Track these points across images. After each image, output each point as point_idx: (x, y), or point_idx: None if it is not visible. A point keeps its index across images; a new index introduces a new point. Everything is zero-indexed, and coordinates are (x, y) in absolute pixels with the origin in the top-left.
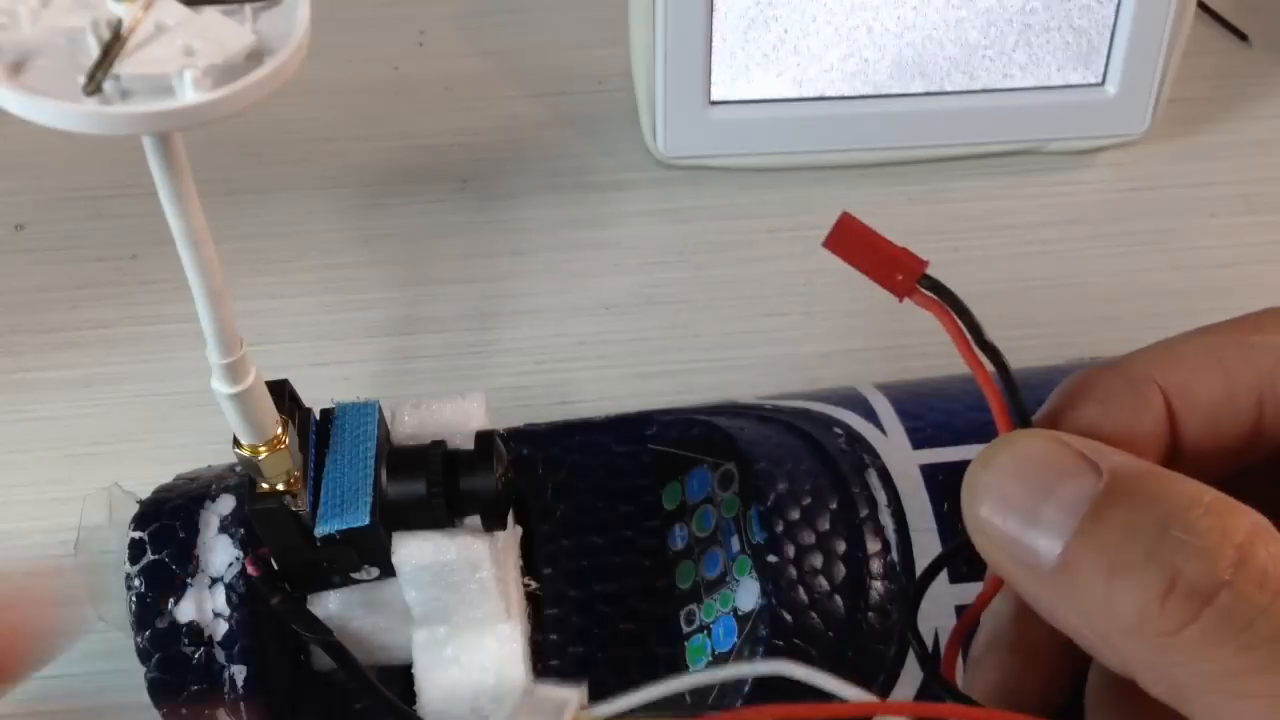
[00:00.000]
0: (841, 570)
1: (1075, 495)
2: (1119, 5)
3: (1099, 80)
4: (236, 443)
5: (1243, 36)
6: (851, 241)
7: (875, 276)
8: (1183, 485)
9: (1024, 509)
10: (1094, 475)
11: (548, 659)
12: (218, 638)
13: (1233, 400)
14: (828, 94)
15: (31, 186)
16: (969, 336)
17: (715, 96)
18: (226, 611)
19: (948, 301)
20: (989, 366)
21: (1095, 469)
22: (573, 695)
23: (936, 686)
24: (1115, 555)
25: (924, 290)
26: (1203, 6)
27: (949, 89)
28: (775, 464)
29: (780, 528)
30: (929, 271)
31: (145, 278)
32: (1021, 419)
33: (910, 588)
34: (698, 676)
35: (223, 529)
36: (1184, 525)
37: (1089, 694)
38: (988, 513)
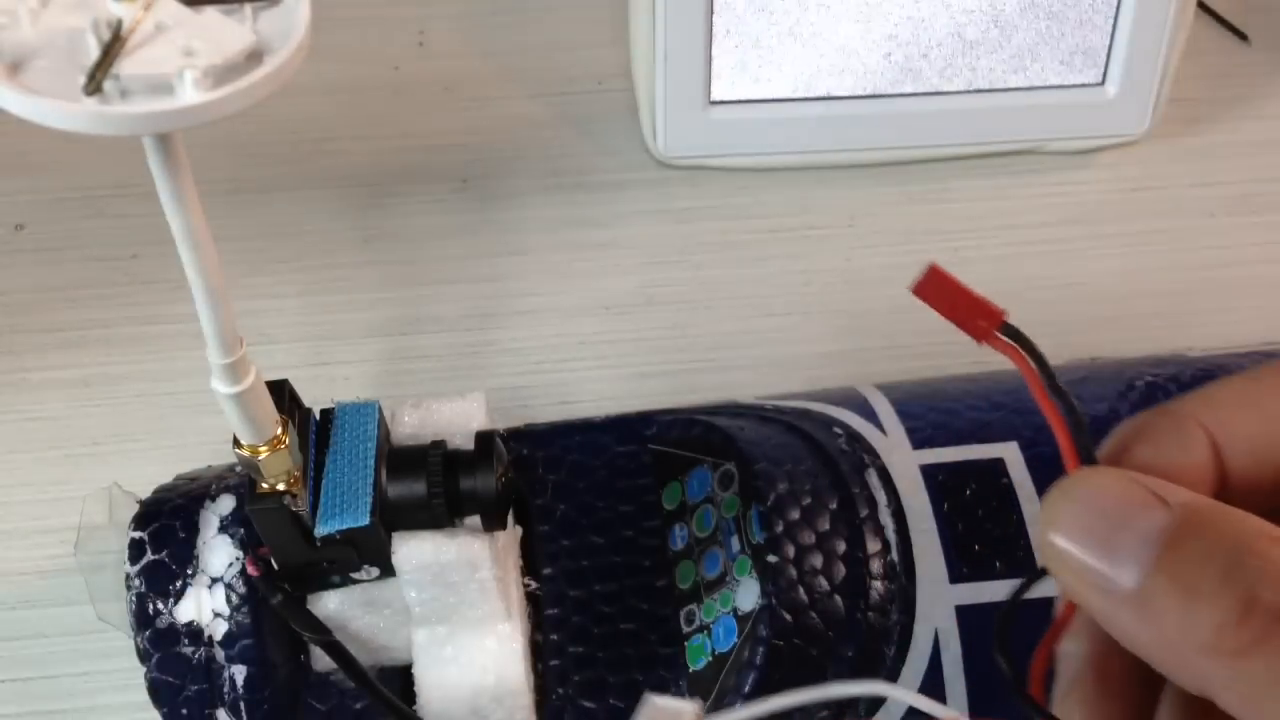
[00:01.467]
0: (841, 570)
1: (1149, 528)
2: (1119, 5)
3: (1099, 80)
4: (236, 443)
5: (1243, 36)
6: (937, 290)
7: (958, 321)
8: (1249, 520)
9: (1102, 540)
10: (1164, 509)
11: (548, 659)
12: (218, 638)
13: (1269, 435)
14: (827, 94)
15: (31, 186)
16: (1042, 380)
17: (715, 96)
18: (226, 611)
19: (1024, 348)
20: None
21: (1164, 504)
22: (690, 707)
23: (1026, 707)
24: (1193, 581)
25: (1002, 336)
26: (1203, 6)
27: (949, 89)
28: (775, 464)
29: (780, 528)
30: (1008, 320)
31: (145, 278)
32: (1088, 458)
33: (912, 588)
34: (829, 690)
35: (223, 529)
36: (1256, 554)
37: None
38: (1066, 542)
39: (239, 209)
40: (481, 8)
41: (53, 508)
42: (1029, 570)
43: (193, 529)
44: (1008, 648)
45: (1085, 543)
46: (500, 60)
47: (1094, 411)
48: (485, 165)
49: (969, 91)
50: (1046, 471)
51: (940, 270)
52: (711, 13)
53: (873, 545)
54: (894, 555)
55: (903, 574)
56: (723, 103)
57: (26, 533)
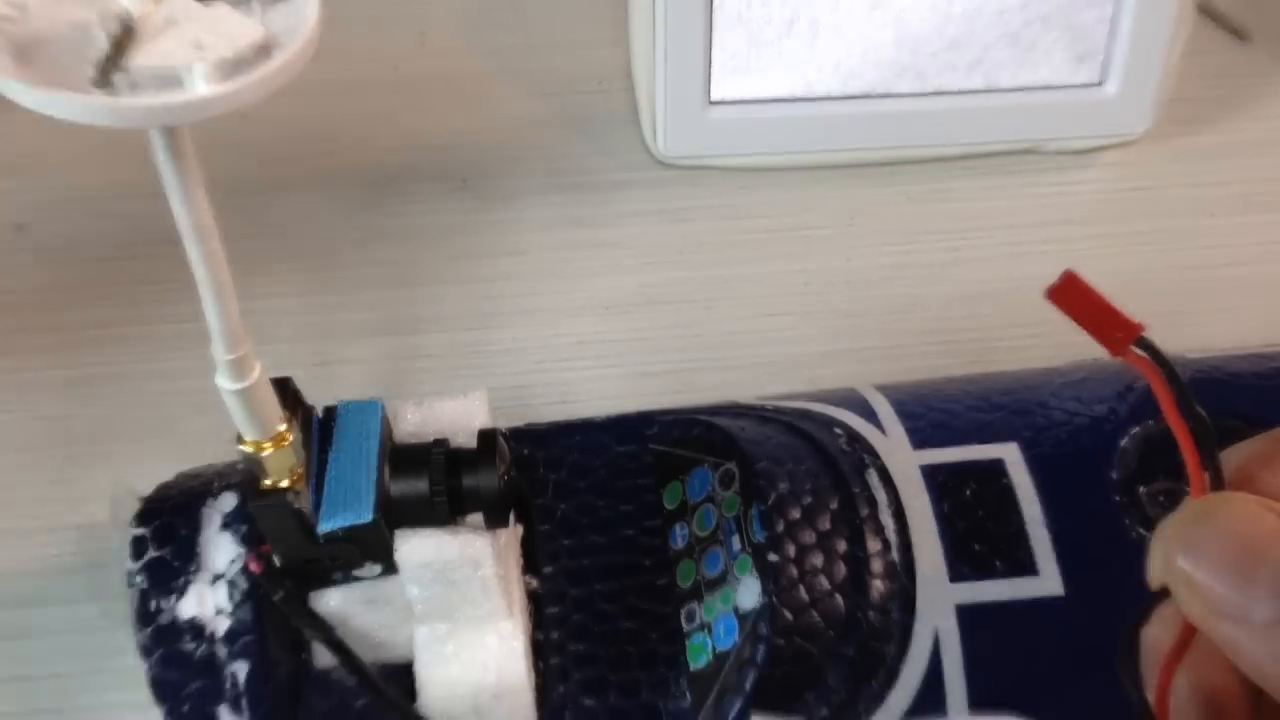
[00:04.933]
0: (842, 569)
1: None
2: (1119, 4)
3: (1099, 80)
4: (240, 439)
5: (1243, 36)
6: (1074, 297)
7: (1092, 331)
8: None
9: (1240, 569)
10: None
11: (548, 657)
12: (219, 634)
13: None
14: (827, 94)
15: (33, 186)
16: (1175, 398)
17: (715, 96)
18: (228, 608)
19: (1159, 364)
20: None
21: None
22: None
23: None
24: None
25: (1137, 350)
26: (1202, 6)
27: (948, 89)
28: (776, 463)
29: (781, 527)
30: (1145, 334)
31: (146, 278)
32: (1218, 482)
33: (912, 587)
34: None
35: (225, 526)
36: None
37: None
38: (1195, 568)
39: (238, 209)
40: (482, 7)
41: (53, 507)
42: (1028, 569)
43: (195, 526)
44: (1137, 677)
45: (1220, 571)
46: (500, 60)
47: (1093, 412)
48: (485, 165)
49: (968, 91)
50: (1046, 472)
51: (1077, 277)
52: (711, 12)
53: (873, 545)
54: (894, 555)
55: (903, 573)
56: (722, 103)
57: (27, 532)
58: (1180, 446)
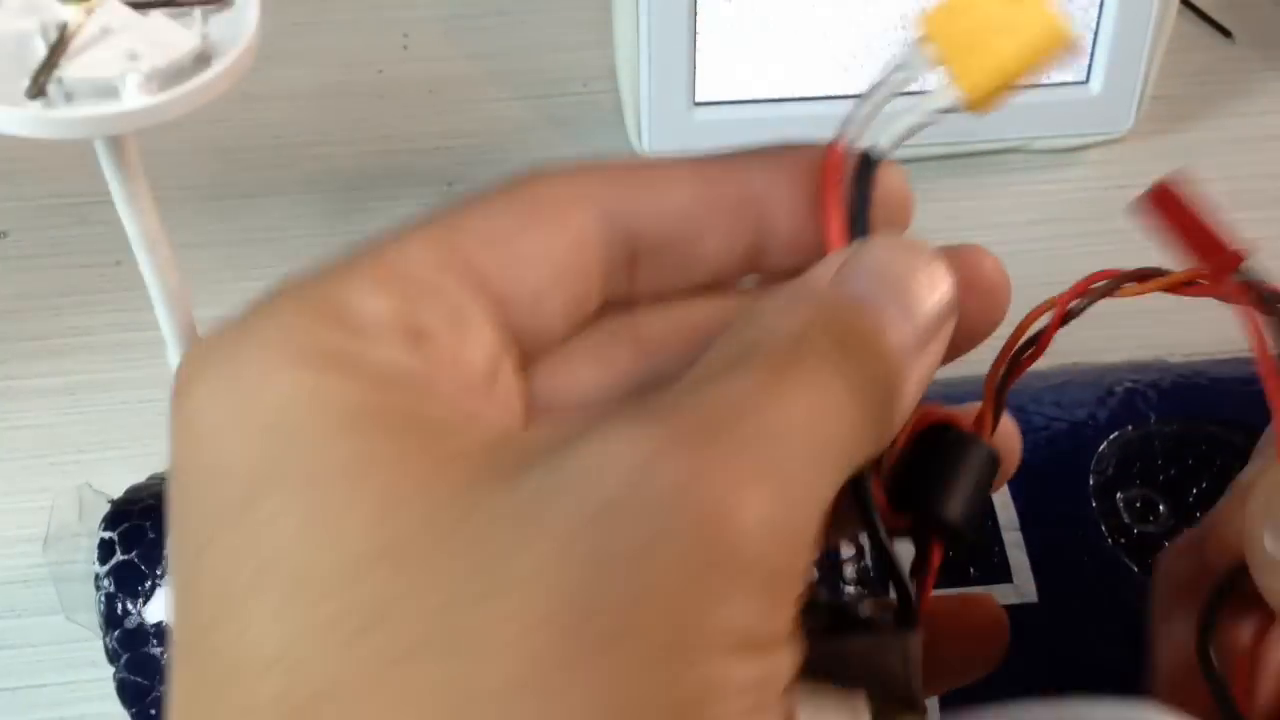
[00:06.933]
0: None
1: None
2: (1102, 3)
3: (1083, 79)
4: None
5: (1226, 33)
6: (1169, 209)
7: (1187, 251)
8: None
9: None
10: None
11: None
12: None
13: None
14: (812, 94)
15: (14, 194)
16: (1275, 346)
17: (700, 97)
18: None
19: (1263, 301)
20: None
21: None
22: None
23: None
24: None
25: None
26: (1186, 3)
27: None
28: None
29: None
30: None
31: (128, 284)
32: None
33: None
34: None
35: None
36: None
37: None
38: None
39: (223, 213)
40: (466, 10)
41: (37, 516)
42: (1002, 577)
43: (163, 529)
44: (1211, 665)
45: None
46: (485, 62)
47: (1072, 417)
48: (471, 168)
49: None
50: (1021, 478)
51: (1172, 189)
52: (695, 14)
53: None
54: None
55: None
56: (707, 104)
57: (11, 541)
58: (1270, 400)
